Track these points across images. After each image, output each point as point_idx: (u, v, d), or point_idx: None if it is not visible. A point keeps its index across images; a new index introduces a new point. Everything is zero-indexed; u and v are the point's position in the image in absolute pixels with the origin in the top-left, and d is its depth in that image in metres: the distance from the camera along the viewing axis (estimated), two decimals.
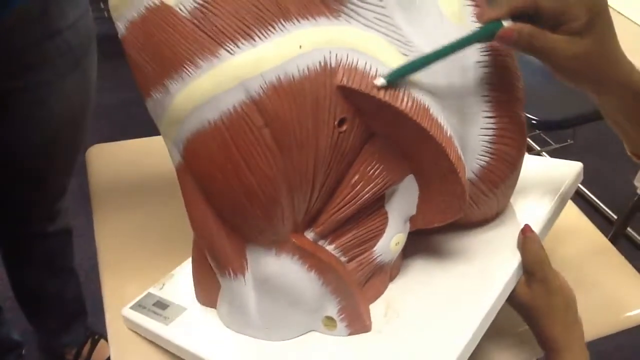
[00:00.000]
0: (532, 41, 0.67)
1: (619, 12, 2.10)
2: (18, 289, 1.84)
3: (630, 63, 0.70)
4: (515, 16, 0.68)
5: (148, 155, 1.21)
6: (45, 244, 1.71)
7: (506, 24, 0.68)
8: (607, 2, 0.66)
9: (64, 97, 1.36)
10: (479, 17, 0.69)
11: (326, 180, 0.71)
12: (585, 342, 0.92)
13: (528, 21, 0.67)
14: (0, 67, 1.24)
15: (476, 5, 0.80)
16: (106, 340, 0.89)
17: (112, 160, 1.23)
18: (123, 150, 1.27)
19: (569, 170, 0.96)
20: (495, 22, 0.68)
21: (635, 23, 2.06)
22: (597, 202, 2.71)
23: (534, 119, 2.26)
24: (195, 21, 0.63)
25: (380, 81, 0.65)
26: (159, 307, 0.86)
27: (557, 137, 2.75)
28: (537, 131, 2.51)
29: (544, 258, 0.80)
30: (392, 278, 0.86)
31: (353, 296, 0.77)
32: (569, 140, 2.60)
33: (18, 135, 1.37)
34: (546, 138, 2.85)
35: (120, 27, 0.68)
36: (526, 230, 0.82)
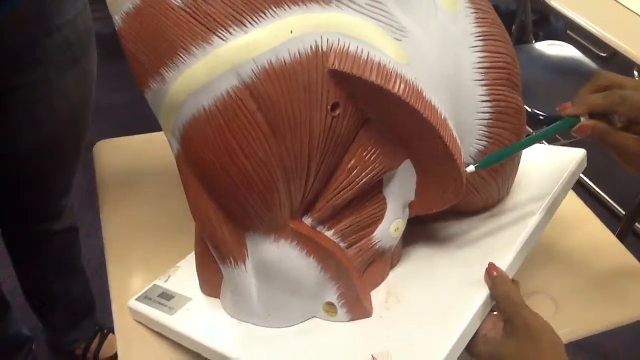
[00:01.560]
0: (604, 137, 0.75)
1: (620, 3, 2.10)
2: (26, 287, 1.85)
3: None
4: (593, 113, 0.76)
5: (154, 150, 1.21)
6: (51, 242, 1.71)
7: (583, 119, 0.76)
8: None
9: (64, 94, 1.36)
10: (561, 109, 0.77)
11: (322, 165, 0.70)
12: (590, 336, 0.91)
13: (602, 118, 0.75)
14: (0, 64, 1.24)
15: None
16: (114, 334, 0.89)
17: (118, 155, 1.24)
18: (130, 145, 1.27)
19: (572, 157, 0.94)
20: (574, 117, 0.76)
21: (636, 13, 2.05)
22: (605, 198, 2.68)
23: (541, 115, 2.24)
24: (188, 9, 0.63)
25: (470, 168, 0.74)
26: (164, 298, 0.86)
27: (565, 132, 2.74)
28: (545, 127, 2.50)
29: (518, 299, 0.74)
30: (393, 265, 0.85)
31: (352, 282, 0.76)
32: (577, 136, 2.59)
33: (20, 133, 1.37)
34: None
35: (117, 20, 0.69)
36: (491, 270, 0.76)
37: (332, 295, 0.77)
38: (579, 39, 3.51)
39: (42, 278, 1.79)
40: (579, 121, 0.76)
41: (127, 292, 0.92)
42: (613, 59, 3.27)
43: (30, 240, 1.69)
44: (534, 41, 3.03)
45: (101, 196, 1.14)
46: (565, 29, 3.56)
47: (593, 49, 3.46)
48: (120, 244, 1.03)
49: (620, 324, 0.96)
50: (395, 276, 0.84)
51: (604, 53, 3.40)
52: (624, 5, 2.08)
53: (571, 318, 0.93)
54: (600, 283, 1.00)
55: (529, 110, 2.24)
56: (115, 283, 0.96)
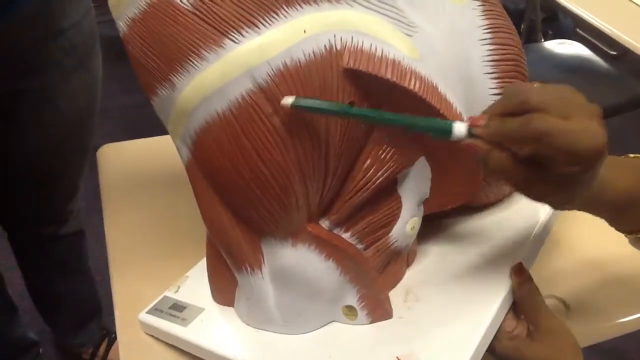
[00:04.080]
0: (504, 174, 0.65)
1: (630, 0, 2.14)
2: (33, 290, 1.93)
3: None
4: None
5: (159, 154, 1.24)
6: (58, 246, 1.79)
7: (462, 125, 0.64)
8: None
9: (70, 97, 1.42)
10: (472, 123, 0.64)
11: (338, 165, 0.74)
12: (606, 340, 0.94)
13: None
14: (7, 68, 1.30)
15: None
16: None
17: (123, 159, 1.27)
18: (134, 149, 1.30)
19: None
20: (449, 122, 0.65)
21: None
22: None
23: None
24: (198, 12, 0.66)
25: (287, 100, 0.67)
26: (176, 309, 0.89)
27: None
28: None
29: (542, 303, 0.80)
30: (409, 264, 0.89)
31: (372, 283, 0.80)
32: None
33: (26, 135, 1.43)
34: None
35: (122, 25, 0.72)
36: (519, 273, 0.82)
37: (351, 298, 0.81)
38: (588, 37, 3.56)
39: (48, 281, 1.87)
40: (450, 128, 0.64)
41: (132, 301, 0.94)
42: (623, 58, 3.32)
43: (37, 243, 1.76)
44: (543, 40, 3.08)
45: (105, 202, 1.17)
46: (575, 27, 3.62)
47: (603, 47, 3.51)
48: (124, 251, 1.06)
49: (634, 329, 0.99)
50: (412, 275, 0.88)
51: (614, 51, 3.45)
52: (634, 2, 2.12)
53: (583, 322, 0.95)
54: (613, 286, 1.02)
55: None
56: (119, 291, 0.99)
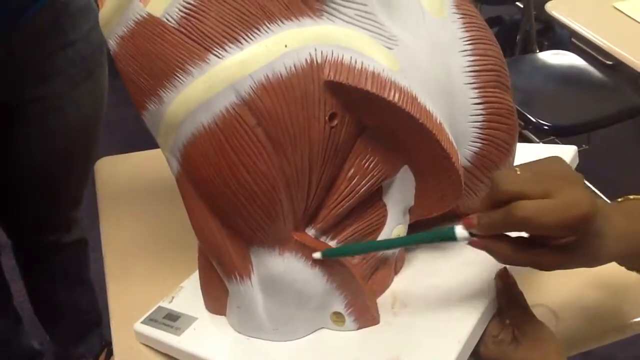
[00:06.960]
0: (508, 261, 0.72)
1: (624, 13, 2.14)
2: (34, 299, 1.94)
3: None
4: None
5: (156, 167, 1.22)
6: (60, 255, 1.80)
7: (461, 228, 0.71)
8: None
9: (76, 107, 1.45)
10: (467, 225, 0.70)
11: (322, 175, 0.75)
12: (601, 344, 0.94)
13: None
14: (15, 78, 1.32)
15: None
16: None
17: (120, 172, 1.29)
18: (131, 162, 1.32)
19: (563, 154, 1.00)
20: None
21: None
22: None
23: (546, 125, 2.30)
24: (183, 29, 0.68)
25: (316, 255, 0.76)
26: (170, 319, 0.90)
27: (571, 142, 2.79)
28: (551, 137, 2.55)
29: (527, 307, 0.81)
30: (397, 271, 0.90)
31: (359, 290, 0.81)
32: (583, 146, 2.62)
33: (32, 144, 1.46)
34: (560, 144, 2.86)
35: (112, 43, 0.74)
36: (504, 276, 0.82)
37: (339, 305, 0.82)
38: (584, 47, 3.57)
39: (50, 290, 1.88)
40: (453, 234, 0.71)
41: (127, 312, 0.95)
42: (619, 67, 3.33)
43: (40, 251, 1.78)
44: (538, 51, 3.09)
45: (102, 214, 1.18)
46: (571, 38, 3.62)
47: (599, 57, 3.52)
48: (121, 262, 1.07)
49: (622, 336, 0.99)
50: (400, 282, 0.89)
51: (609, 62, 3.46)
52: (628, 16, 2.13)
53: (572, 331, 0.95)
54: (601, 295, 1.02)
55: (533, 120, 2.30)
56: (115, 302, 1.00)
